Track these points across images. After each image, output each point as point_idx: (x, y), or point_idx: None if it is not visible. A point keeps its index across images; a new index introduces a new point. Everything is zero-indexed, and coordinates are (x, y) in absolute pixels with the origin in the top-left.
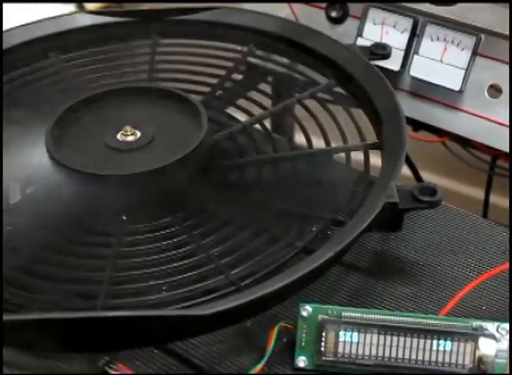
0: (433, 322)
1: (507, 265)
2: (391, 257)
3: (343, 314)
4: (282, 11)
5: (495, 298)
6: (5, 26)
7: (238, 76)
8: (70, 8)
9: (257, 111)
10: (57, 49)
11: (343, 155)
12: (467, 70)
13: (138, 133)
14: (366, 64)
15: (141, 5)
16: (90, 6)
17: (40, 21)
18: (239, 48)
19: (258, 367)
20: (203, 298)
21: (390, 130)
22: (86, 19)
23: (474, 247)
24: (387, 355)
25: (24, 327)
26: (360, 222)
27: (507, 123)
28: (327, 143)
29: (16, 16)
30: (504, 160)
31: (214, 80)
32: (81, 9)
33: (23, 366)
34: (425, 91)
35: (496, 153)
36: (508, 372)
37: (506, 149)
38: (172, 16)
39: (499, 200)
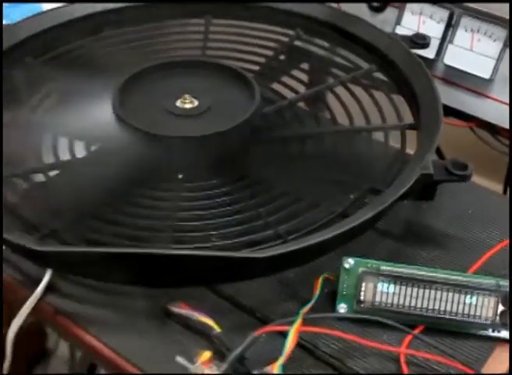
0: (462, 278)
1: None
2: (422, 225)
3: (382, 268)
4: None
5: None
6: None
7: (285, 57)
8: None
9: (300, 89)
10: (112, 24)
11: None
12: (498, 60)
13: (196, 102)
14: (407, 51)
15: None
16: None
17: None
18: (286, 31)
19: (307, 307)
20: (254, 248)
21: (427, 112)
22: None
23: (496, 219)
24: (419, 305)
25: (102, 259)
26: (397, 189)
27: None
28: (367, 122)
29: None
30: None
31: (262, 60)
32: None
33: (93, 302)
34: (457, 78)
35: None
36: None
37: None
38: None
39: None
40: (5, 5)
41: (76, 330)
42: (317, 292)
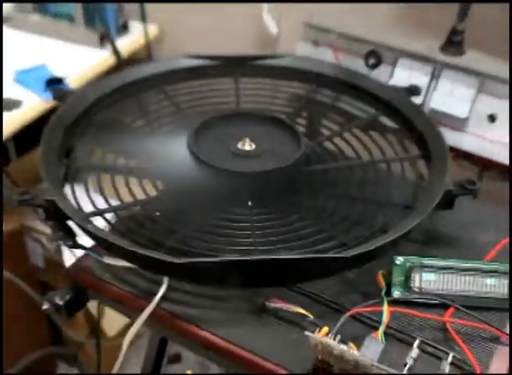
0: (484, 266)
1: None
2: (436, 231)
3: (424, 262)
4: (327, 58)
5: None
6: None
7: (305, 107)
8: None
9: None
10: (166, 82)
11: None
12: (472, 103)
13: (253, 145)
14: (407, 99)
15: None
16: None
17: (151, 62)
18: (303, 85)
19: (384, 291)
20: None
21: (433, 145)
22: (186, 62)
23: (492, 224)
24: (455, 287)
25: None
26: (430, 203)
27: (502, 141)
28: (382, 153)
29: None
30: (496, 168)
31: (287, 109)
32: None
33: (201, 306)
34: (440, 118)
35: (485, 163)
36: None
37: (500, 160)
38: (250, 61)
39: None
40: (18, 70)
41: (192, 328)
42: (383, 283)
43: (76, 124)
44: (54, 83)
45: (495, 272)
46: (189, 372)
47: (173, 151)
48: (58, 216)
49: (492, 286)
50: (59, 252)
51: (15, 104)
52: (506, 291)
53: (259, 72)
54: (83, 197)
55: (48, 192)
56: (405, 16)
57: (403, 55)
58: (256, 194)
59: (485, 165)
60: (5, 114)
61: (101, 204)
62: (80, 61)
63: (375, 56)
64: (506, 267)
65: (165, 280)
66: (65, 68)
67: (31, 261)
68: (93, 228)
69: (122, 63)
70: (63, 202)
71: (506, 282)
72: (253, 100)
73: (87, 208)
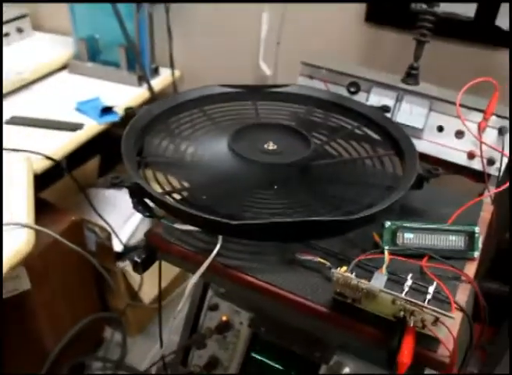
0: (448, 227)
1: (466, 206)
2: (409, 205)
3: (405, 225)
4: (320, 87)
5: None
6: None
7: (305, 122)
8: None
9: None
10: (205, 104)
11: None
12: (426, 118)
13: (275, 146)
14: (382, 114)
15: None
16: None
17: (196, 89)
18: (304, 106)
19: (382, 244)
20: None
21: (404, 145)
22: (217, 89)
23: (448, 201)
24: (427, 242)
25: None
26: (406, 184)
27: (447, 145)
28: (367, 153)
29: None
30: (443, 164)
31: (294, 123)
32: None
33: (246, 259)
34: (404, 129)
35: (435, 161)
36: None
37: (444, 158)
38: (264, 89)
39: None
40: (78, 101)
41: (240, 275)
42: (378, 239)
43: (144, 131)
44: (106, 111)
45: (455, 231)
46: (224, 317)
47: (216, 150)
48: (139, 195)
49: (454, 241)
50: (109, 239)
51: (78, 126)
52: (463, 244)
53: (271, 97)
54: (151, 182)
55: (131, 177)
56: (377, 57)
57: (375, 85)
58: (280, 180)
59: (434, 162)
60: (71, 134)
61: (167, 187)
62: (123, 95)
63: (355, 86)
64: (463, 227)
65: (220, 240)
66: (114, 100)
67: (87, 246)
68: (172, 201)
69: (155, 97)
70: (145, 184)
71: (463, 238)
72: (267, 117)
73: (157, 189)
